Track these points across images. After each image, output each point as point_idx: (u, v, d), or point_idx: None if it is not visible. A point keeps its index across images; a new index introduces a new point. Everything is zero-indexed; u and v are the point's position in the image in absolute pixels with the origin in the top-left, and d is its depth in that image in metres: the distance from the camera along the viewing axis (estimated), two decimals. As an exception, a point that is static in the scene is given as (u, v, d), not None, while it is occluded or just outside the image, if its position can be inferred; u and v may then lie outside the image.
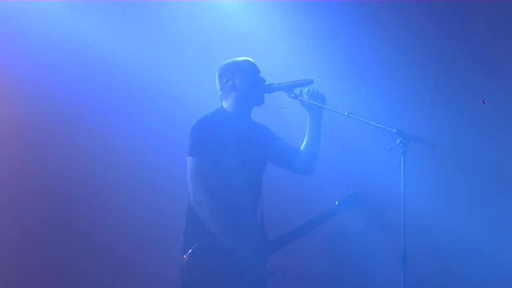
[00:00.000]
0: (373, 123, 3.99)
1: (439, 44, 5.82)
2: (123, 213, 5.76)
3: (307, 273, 5.83)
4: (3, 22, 5.64)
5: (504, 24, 5.75)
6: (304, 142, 4.33)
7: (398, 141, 3.86)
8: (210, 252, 3.92)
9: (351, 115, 4.03)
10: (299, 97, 4.13)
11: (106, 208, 5.76)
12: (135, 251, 5.75)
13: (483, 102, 5.78)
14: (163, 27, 5.86)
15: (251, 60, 4.23)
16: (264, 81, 4.18)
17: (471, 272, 5.62)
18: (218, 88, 4.23)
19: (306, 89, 4.16)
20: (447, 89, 5.85)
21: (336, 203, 4.27)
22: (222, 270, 3.92)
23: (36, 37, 5.69)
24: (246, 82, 4.15)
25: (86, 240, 5.75)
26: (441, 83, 5.85)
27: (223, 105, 4.21)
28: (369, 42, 5.82)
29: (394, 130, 3.87)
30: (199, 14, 5.83)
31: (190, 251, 3.92)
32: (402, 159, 3.84)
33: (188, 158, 4.03)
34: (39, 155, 5.74)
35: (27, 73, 5.68)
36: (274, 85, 4.15)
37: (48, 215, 5.73)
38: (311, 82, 4.09)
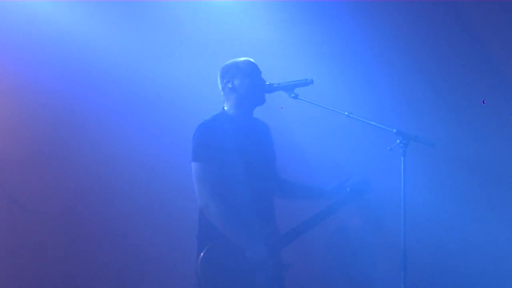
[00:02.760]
0: (373, 123, 4.00)
1: (439, 44, 5.82)
2: (122, 216, 5.77)
3: (307, 273, 5.82)
4: (3, 22, 5.64)
5: (504, 24, 5.75)
6: (302, 190, 4.39)
7: (398, 141, 3.86)
8: (223, 251, 3.98)
9: (351, 115, 4.03)
10: (299, 97, 4.13)
11: (108, 211, 5.77)
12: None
13: (483, 102, 5.78)
14: (163, 27, 5.86)
15: (251, 60, 4.23)
16: (265, 82, 4.18)
17: (471, 272, 5.62)
18: (220, 89, 4.25)
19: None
20: (447, 89, 5.85)
21: (348, 190, 4.26)
22: (236, 268, 3.97)
23: (36, 37, 5.70)
24: (246, 83, 4.16)
25: (87, 243, 5.76)
26: (441, 83, 5.85)
27: (224, 107, 4.22)
28: (369, 42, 5.82)
29: (394, 130, 3.88)
30: (199, 14, 5.84)
31: (203, 251, 3.98)
32: (402, 159, 3.85)
33: (192, 164, 4.09)
34: (40, 155, 5.75)
35: (27, 74, 5.68)
36: (274, 85, 4.16)
37: (48, 217, 5.73)
38: (311, 82, 4.10)
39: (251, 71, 4.19)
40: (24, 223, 5.68)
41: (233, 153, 4.07)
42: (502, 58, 5.77)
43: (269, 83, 4.17)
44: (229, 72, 4.19)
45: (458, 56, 5.80)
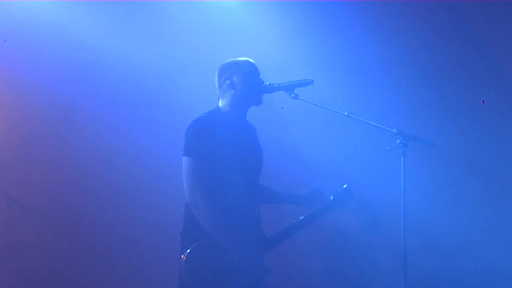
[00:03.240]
0: (373, 123, 3.99)
1: (439, 44, 5.83)
2: (120, 214, 5.77)
3: (307, 273, 5.83)
4: (3, 22, 5.64)
5: (504, 24, 5.76)
6: (272, 194, 4.37)
7: (398, 141, 3.86)
8: (208, 252, 3.93)
9: (351, 115, 4.03)
10: (299, 97, 4.13)
11: (103, 209, 5.77)
12: (133, 252, 5.76)
13: (483, 102, 5.78)
14: (162, 27, 5.86)
15: (251, 61, 4.23)
16: (263, 82, 4.18)
17: (471, 272, 5.62)
18: (217, 86, 4.23)
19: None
20: (447, 89, 5.85)
21: (331, 198, 4.27)
22: (220, 269, 3.92)
23: (36, 37, 5.70)
24: (245, 81, 4.15)
25: (83, 241, 5.76)
26: (441, 83, 5.86)
27: (219, 105, 4.20)
28: (369, 43, 5.83)
29: (394, 130, 3.87)
30: (199, 14, 5.84)
31: (188, 251, 3.93)
32: (402, 159, 3.84)
33: (184, 158, 4.03)
34: (40, 154, 5.75)
35: (27, 74, 5.69)
36: (274, 85, 4.15)
37: (47, 216, 5.74)
38: (311, 82, 4.09)
39: (251, 70, 4.18)
40: (23, 222, 5.68)
41: (226, 150, 4.04)
42: (502, 58, 5.77)
43: (269, 83, 4.17)
44: (229, 69, 4.19)
45: (458, 56, 5.80)
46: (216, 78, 4.23)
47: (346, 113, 4.03)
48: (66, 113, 5.78)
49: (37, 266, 5.70)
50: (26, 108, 5.73)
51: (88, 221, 5.76)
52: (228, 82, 4.16)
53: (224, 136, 4.04)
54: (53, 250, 5.73)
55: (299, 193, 4.34)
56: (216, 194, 3.98)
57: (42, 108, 5.74)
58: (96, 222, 5.76)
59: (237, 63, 4.20)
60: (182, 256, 3.94)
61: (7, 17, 5.63)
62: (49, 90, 5.72)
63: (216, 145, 4.01)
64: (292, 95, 4.11)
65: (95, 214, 5.77)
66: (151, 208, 5.76)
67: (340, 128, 5.57)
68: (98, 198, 5.77)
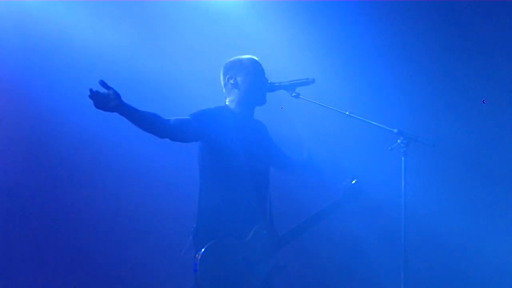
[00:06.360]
0: (374, 123, 4.00)
1: (439, 44, 5.83)
2: (122, 215, 5.76)
3: (307, 273, 5.83)
4: (2, 21, 5.64)
5: (504, 24, 5.76)
6: (307, 165, 4.42)
7: (399, 141, 3.87)
8: (223, 250, 3.95)
9: (352, 115, 4.03)
10: (300, 97, 4.13)
11: (104, 210, 5.75)
12: (144, 252, 5.76)
13: (483, 102, 5.79)
14: (163, 27, 5.86)
15: (255, 58, 4.23)
16: (267, 81, 4.18)
17: (471, 272, 5.63)
18: (222, 85, 4.24)
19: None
20: (447, 89, 5.86)
21: (341, 194, 4.29)
22: (234, 267, 3.94)
23: (35, 37, 5.69)
24: (248, 80, 4.15)
25: (84, 241, 5.75)
26: (441, 83, 5.86)
27: (226, 103, 4.21)
28: (370, 42, 5.83)
29: (395, 130, 3.88)
30: (200, 14, 5.84)
31: (203, 250, 3.94)
32: (402, 159, 3.85)
33: None
34: (40, 155, 5.74)
35: (26, 74, 5.67)
36: (276, 84, 4.15)
37: (47, 216, 5.73)
38: (313, 81, 4.10)
39: (255, 69, 4.18)
40: (23, 222, 5.68)
41: (231, 142, 4.05)
42: (502, 58, 5.78)
43: (270, 82, 4.17)
44: (233, 68, 4.19)
45: (459, 57, 5.82)
46: (221, 77, 4.24)
47: (347, 113, 4.04)
48: (66, 113, 5.76)
49: (38, 266, 5.69)
50: (26, 108, 5.71)
51: (89, 222, 5.75)
52: (232, 81, 4.18)
53: (229, 129, 4.05)
54: (53, 251, 5.72)
55: (336, 200, 4.33)
56: (222, 187, 4.01)
57: (42, 108, 5.73)
58: (97, 223, 5.75)
59: (240, 62, 4.20)
60: (196, 255, 3.95)
61: (6, 17, 5.63)
62: (49, 90, 5.70)
63: (221, 131, 4.03)
64: (294, 94, 4.12)
65: (96, 215, 5.75)
66: (155, 210, 5.75)
67: (341, 128, 5.57)
68: (99, 199, 5.76)
